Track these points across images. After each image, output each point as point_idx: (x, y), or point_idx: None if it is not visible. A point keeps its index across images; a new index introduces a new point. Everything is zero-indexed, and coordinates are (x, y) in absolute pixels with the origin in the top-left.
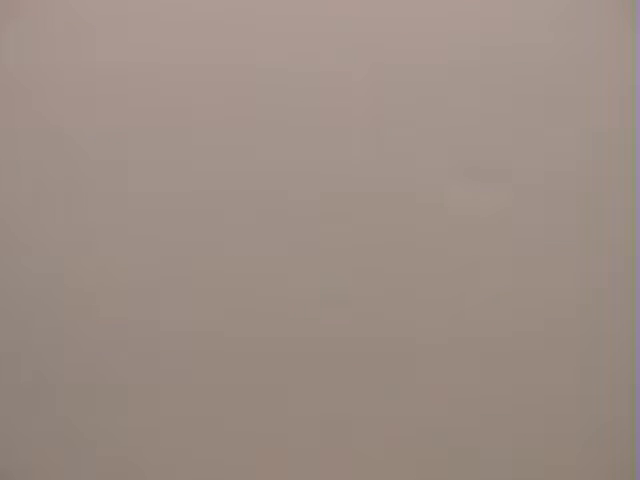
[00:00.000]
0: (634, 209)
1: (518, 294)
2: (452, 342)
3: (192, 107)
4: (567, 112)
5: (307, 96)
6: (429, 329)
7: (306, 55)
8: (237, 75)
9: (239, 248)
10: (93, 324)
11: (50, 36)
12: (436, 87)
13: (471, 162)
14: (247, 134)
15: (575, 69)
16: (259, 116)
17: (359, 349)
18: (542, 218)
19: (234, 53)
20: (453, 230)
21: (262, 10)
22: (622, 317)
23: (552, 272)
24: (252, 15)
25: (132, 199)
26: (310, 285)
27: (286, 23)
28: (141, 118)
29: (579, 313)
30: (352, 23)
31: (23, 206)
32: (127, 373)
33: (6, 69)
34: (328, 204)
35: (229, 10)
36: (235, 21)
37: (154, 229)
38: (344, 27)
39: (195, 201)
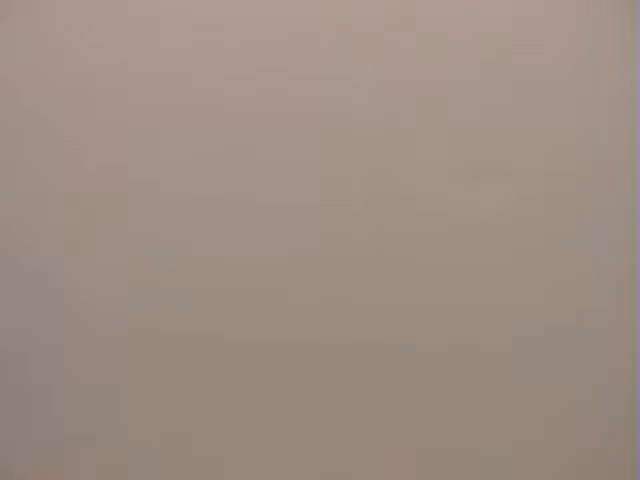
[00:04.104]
0: (634, 209)
1: (518, 295)
2: (452, 344)
3: (192, 109)
4: (567, 113)
5: (308, 98)
6: (429, 330)
7: (307, 57)
8: (237, 76)
9: (240, 251)
10: (92, 324)
11: (48, 36)
12: (437, 89)
13: (471, 163)
14: (247, 136)
15: (575, 70)
16: (259, 118)
17: (359, 351)
18: (542, 219)
19: (234, 54)
20: (454, 232)
21: (263, 12)
22: (623, 319)
23: (552, 273)
24: (253, 17)
25: (132, 200)
26: (310, 288)
27: (288, 25)
28: (141, 119)
29: (579, 315)
30: (353, 25)
31: (22, 206)
32: (126, 374)
33: (4, 69)
34: (328, 206)
35: (230, 12)
36: (236, 23)
37: (154, 230)
38: (345, 29)
39: (194, 203)
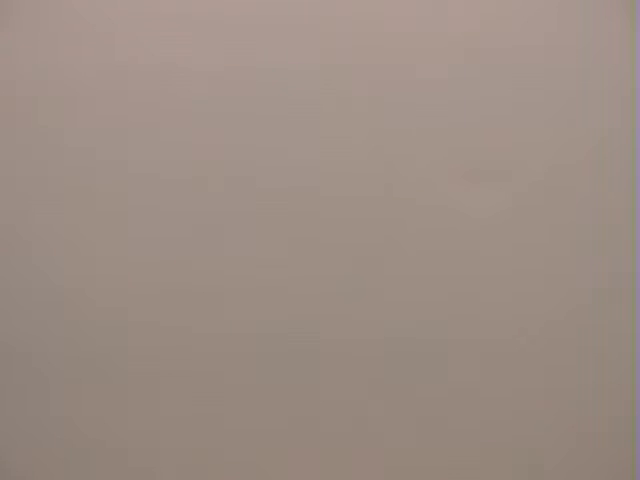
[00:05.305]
0: (634, 209)
1: (518, 292)
2: (452, 340)
3: (192, 109)
4: (567, 113)
5: (306, 98)
6: (428, 329)
7: (306, 56)
8: (237, 75)
9: (238, 246)
10: (93, 323)
11: (48, 36)
12: (436, 88)
13: (471, 164)
14: (247, 136)
15: (575, 69)
16: (259, 118)
17: (359, 347)
18: (542, 219)
19: (234, 54)
20: (453, 231)
21: (263, 11)
22: (622, 317)
23: (552, 272)
24: (253, 16)
25: (131, 196)
26: (310, 286)
27: (287, 24)
28: (141, 119)
29: (579, 313)
30: (352, 24)
31: (24, 206)
32: (127, 370)
33: (5, 69)
34: (328, 206)
35: (230, 11)
36: (236, 22)
37: (153, 226)
38: (344, 28)
39: (192, 198)
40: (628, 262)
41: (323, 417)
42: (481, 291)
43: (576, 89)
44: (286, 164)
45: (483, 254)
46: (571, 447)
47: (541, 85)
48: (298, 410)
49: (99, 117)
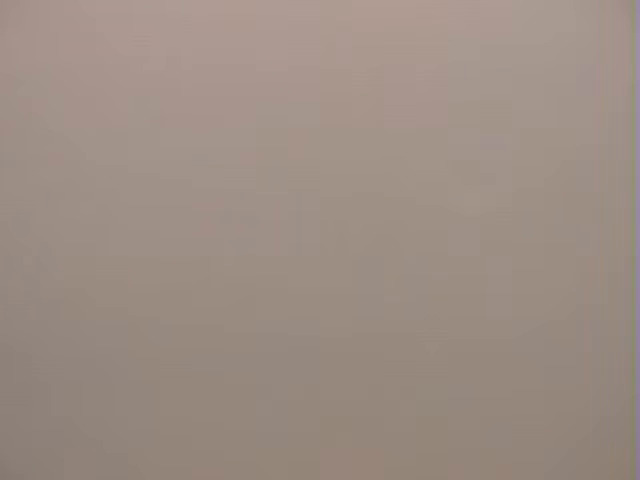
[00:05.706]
0: (634, 209)
1: (518, 294)
2: (452, 342)
3: (192, 107)
4: (567, 112)
5: (306, 96)
6: (427, 329)
7: (306, 55)
8: (237, 76)
9: (240, 245)
10: (93, 323)
11: (48, 36)
12: (436, 87)
13: (471, 163)
14: (247, 135)
15: (575, 69)
16: (259, 118)
17: (359, 347)
18: (542, 219)
19: (235, 54)
20: (453, 231)
21: (263, 12)
22: (622, 317)
23: (552, 272)
24: (253, 16)
25: (131, 196)
26: (310, 285)
27: (287, 24)
28: (142, 119)
29: (579, 313)
30: (352, 23)
31: (24, 206)
32: (127, 371)
33: (5, 69)
34: (328, 206)
35: (232, 11)
36: (238, 22)
37: (154, 229)
38: (343, 27)
39: (192, 197)
40: (628, 262)
41: (323, 417)
42: (481, 291)
43: (576, 89)
44: (285, 164)
45: (483, 254)
46: (571, 447)
47: (541, 85)
48: (298, 410)
49: (99, 117)
